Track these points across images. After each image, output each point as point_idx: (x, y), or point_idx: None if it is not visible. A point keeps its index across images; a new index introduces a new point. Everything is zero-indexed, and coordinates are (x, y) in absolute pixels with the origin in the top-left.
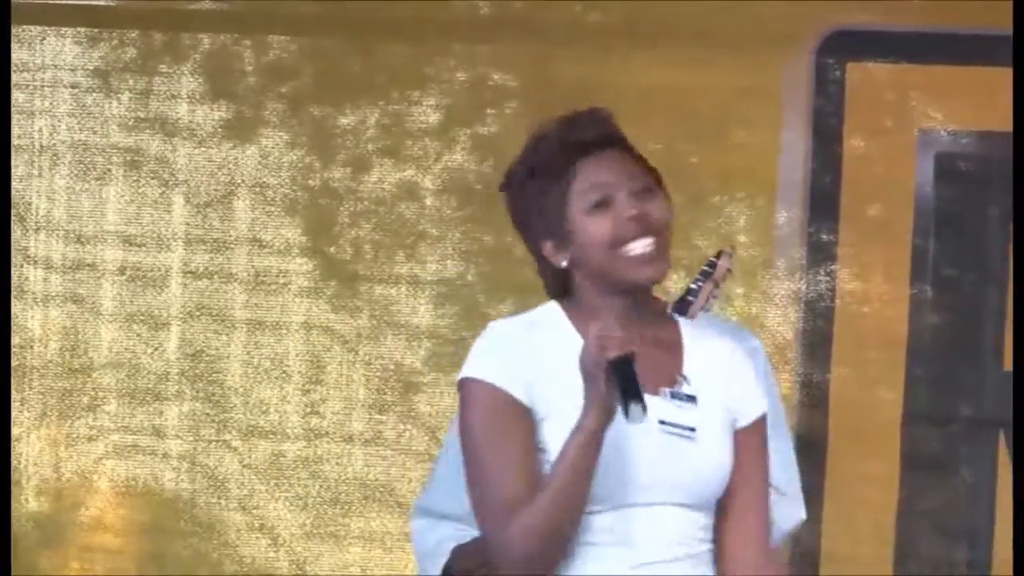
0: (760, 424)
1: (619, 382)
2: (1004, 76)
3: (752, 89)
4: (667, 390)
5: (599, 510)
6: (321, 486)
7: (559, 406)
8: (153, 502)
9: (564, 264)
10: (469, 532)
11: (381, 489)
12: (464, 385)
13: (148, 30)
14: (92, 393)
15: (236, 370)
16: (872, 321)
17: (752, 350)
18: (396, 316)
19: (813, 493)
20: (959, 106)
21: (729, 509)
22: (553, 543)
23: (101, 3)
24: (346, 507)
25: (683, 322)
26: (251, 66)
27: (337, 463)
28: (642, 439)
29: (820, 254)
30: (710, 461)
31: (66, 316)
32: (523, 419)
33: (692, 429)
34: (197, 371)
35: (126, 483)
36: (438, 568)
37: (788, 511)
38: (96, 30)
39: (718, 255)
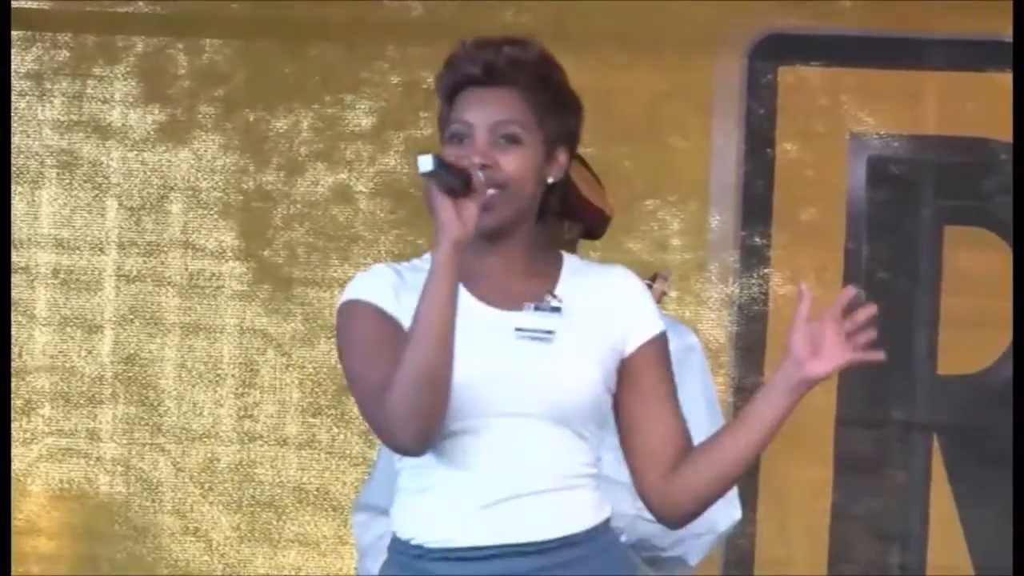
0: (654, 343)
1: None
2: (934, 79)
3: (684, 92)
4: (531, 304)
5: (458, 429)
6: (255, 489)
7: None
8: (87, 505)
9: None
10: None
11: (315, 492)
12: (339, 309)
13: (81, 33)
14: (26, 396)
15: (170, 373)
16: None
17: (688, 347)
18: (330, 319)
19: (747, 497)
20: (891, 109)
21: (635, 427)
22: (428, 391)
23: (34, 6)
24: (280, 510)
25: (568, 259)
26: (184, 69)
27: (271, 467)
28: (497, 347)
29: (753, 258)
30: (568, 366)
31: None
32: (389, 324)
33: (550, 332)
34: (131, 374)
35: (60, 486)
36: (377, 564)
37: (724, 511)
38: (28, 33)
39: (653, 277)
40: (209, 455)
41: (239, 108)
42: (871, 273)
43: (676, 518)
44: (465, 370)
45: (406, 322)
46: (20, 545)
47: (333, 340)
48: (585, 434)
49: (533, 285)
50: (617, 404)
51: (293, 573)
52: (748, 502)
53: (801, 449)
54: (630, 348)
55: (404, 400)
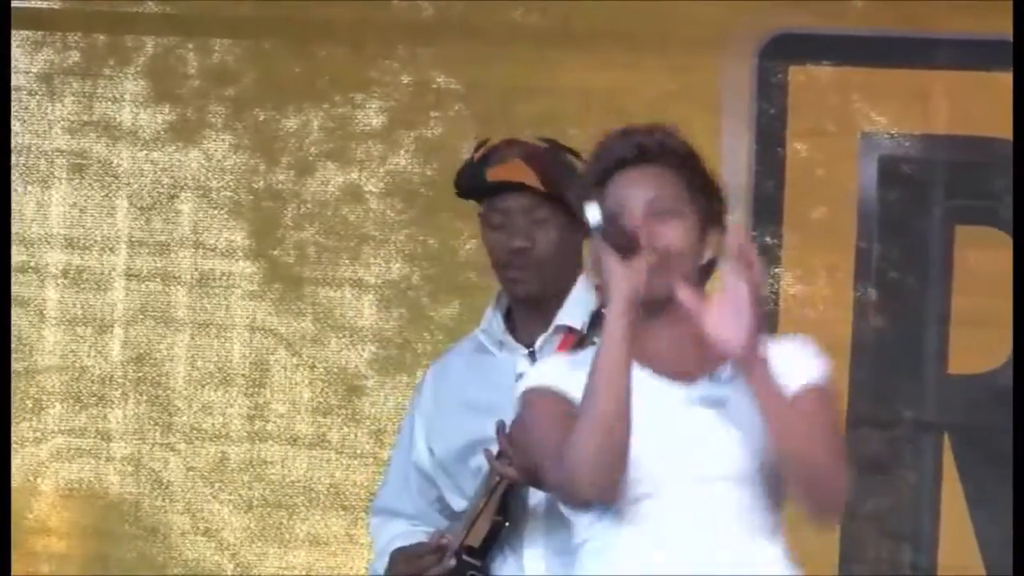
0: (809, 393)
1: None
2: (945, 79)
3: (693, 92)
4: (706, 375)
5: (640, 496)
6: (265, 489)
7: None
8: (98, 505)
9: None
10: (421, 528)
11: (325, 492)
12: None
13: (91, 33)
14: (36, 396)
15: (180, 373)
16: (816, 324)
17: None
18: (340, 319)
19: None
20: (901, 109)
21: None
22: (607, 443)
23: (44, 6)
24: (290, 510)
25: None
26: (194, 69)
27: (281, 466)
28: (675, 416)
29: (764, 257)
30: (742, 427)
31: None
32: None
33: (724, 400)
34: (141, 374)
35: (71, 486)
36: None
37: None
38: (39, 33)
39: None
40: (219, 454)
41: (249, 108)
42: (882, 272)
43: None
44: (642, 440)
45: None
46: (31, 544)
47: (343, 339)
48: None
49: (706, 355)
50: None
51: (304, 572)
52: None
53: None
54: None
55: (583, 460)
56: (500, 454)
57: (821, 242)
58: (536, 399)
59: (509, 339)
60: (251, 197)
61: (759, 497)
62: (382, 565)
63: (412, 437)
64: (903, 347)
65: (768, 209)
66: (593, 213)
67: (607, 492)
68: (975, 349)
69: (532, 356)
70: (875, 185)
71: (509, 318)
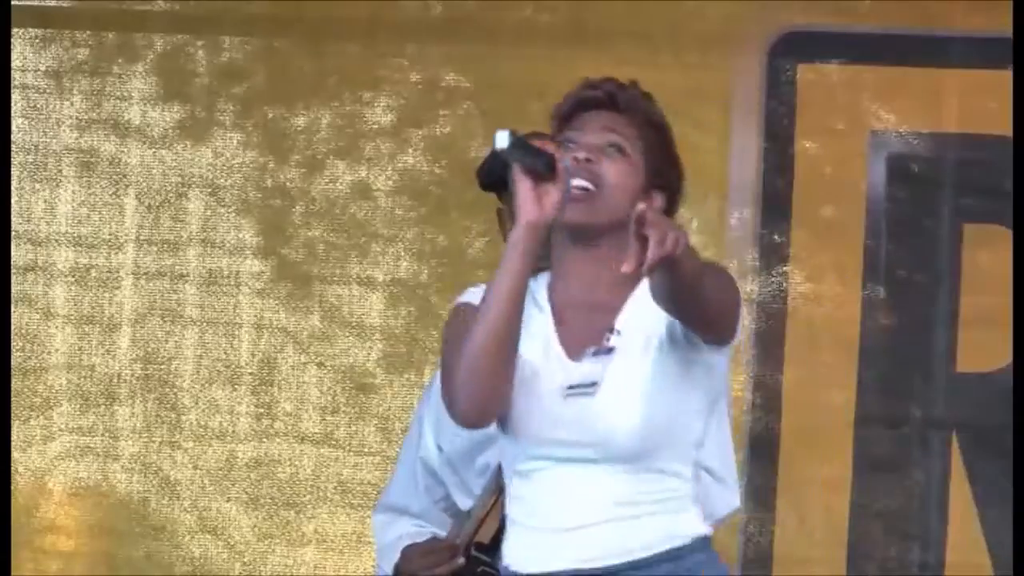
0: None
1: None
2: (955, 77)
3: (703, 90)
4: (591, 349)
5: (522, 470)
6: (273, 487)
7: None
8: (105, 503)
9: None
10: (428, 528)
11: (333, 490)
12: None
13: (100, 31)
14: (44, 394)
15: (188, 371)
16: (824, 322)
17: None
18: (348, 317)
19: (766, 494)
20: (910, 107)
21: None
22: (490, 363)
23: (53, 4)
24: (298, 508)
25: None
26: (203, 67)
27: (289, 464)
28: (550, 400)
29: (772, 256)
30: (615, 411)
31: (17, 317)
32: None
33: (593, 384)
34: (149, 372)
35: (78, 484)
36: (391, 564)
37: (723, 497)
38: (48, 31)
39: None
40: (227, 453)
41: (258, 105)
42: (890, 271)
43: None
44: (522, 422)
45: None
46: (38, 543)
47: (351, 337)
48: (653, 467)
49: (597, 318)
50: None
51: (311, 571)
52: (767, 500)
53: (820, 447)
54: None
55: (467, 368)
56: None
57: (830, 240)
58: (453, 311)
59: None
60: (260, 195)
61: (631, 475)
62: (387, 563)
63: (420, 435)
64: (911, 345)
65: (777, 207)
66: (502, 136)
67: (480, 416)
68: (983, 348)
69: None
70: (884, 183)
71: None
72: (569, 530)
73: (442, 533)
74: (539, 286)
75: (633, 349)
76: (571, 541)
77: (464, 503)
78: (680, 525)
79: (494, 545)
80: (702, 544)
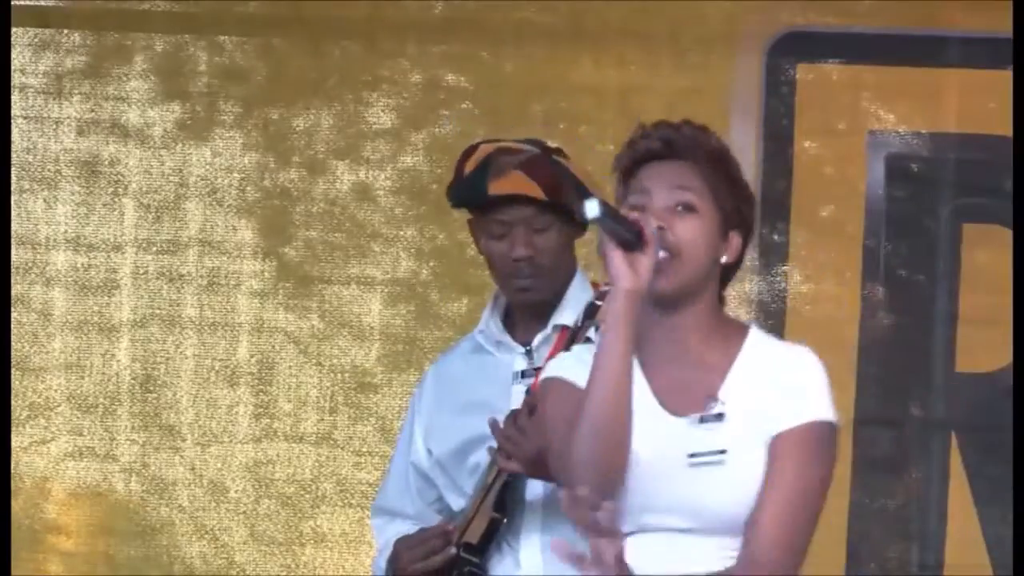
0: (799, 431)
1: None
2: (954, 77)
3: (703, 90)
4: (696, 415)
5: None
6: (272, 487)
7: None
8: (104, 504)
9: None
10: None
11: (332, 490)
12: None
13: (100, 31)
14: (43, 396)
15: (188, 371)
16: (824, 322)
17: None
18: (348, 316)
19: None
20: (910, 107)
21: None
22: (604, 444)
23: (52, 4)
24: (297, 508)
25: (753, 335)
26: (203, 67)
27: (288, 464)
28: (672, 472)
29: (772, 255)
30: (742, 481)
31: (17, 318)
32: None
33: (722, 452)
34: (148, 372)
35: (77, 485)
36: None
37: None
38: (47, 31)
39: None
40: (226, 453)
41: (258, 106)
42: (889, 271)
43: None
44: (643, 498)
45: None
46: (37, 543)
47: (351, 337)
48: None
49: (696, 379)
50: None
51: (310, 571)
52: None
53: None
54: (774, 431)
55: (584, 453)
56: (498, 449)
57: (829, 240)
58: (549, 388)
59: (507, 338)
60: (261, 196)
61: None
62: (384, 563)
63: (411, 438)
64: (911, 345)
65: (776, 207)
66: (592, 207)
67: (603, 489)
68: (983, 347)
69: (529, 355)
70: (883, 183)
71: (507, 318)
72: None
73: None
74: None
75: (740, 420)
76: None
77: (456, 503)
78: None
79: (482, 545)
80: None
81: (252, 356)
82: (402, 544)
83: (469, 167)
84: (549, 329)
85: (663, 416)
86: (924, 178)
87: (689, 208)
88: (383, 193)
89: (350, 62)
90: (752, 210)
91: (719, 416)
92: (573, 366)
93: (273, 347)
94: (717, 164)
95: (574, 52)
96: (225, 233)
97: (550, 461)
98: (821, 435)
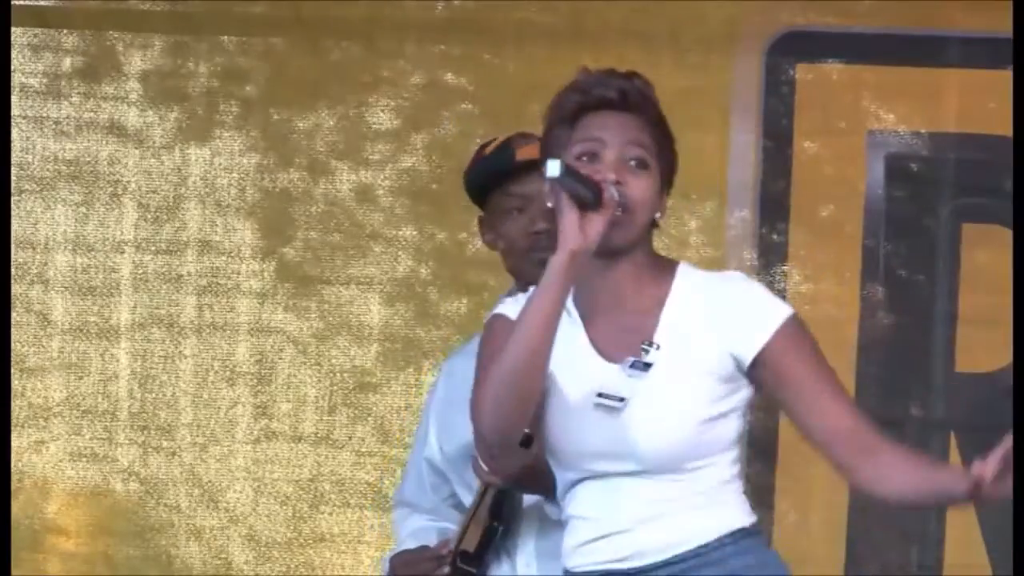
0: (781, 333)
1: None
2: (954, 77)
3: (702, 90)
4: (629, 360)
5: (566, 480)
6: (271, 487)
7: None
8: (104, 504)
9: (550, 205)
10: (440, 523)
11: (331, 489)
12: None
13: (100, 31)
14: (43, 396)
15: (187, 371)
16: (823, 322)
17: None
18: (347, 316)
19: (765, 493)
20: (909, 107)
21: (800, 426)
22: (513, 392)
23: (50, 4)
24: (297, 508)
25: (682, 273)
26: (204, 68)
27: (287, 464)
28: (581, 412)
29: (771, 255)
30: (648, 426)
31: (17, 319)
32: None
33: (622, 399)
34: (148, 372)
35: (77, 486)
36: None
37: None
38: (45, 31)
39: None
40: (226, 453)
41: (259, 107)
42: (889, 271)
43: (887, 499)
44: (553, 437)
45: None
46: (37, 543)
47: (350, 337)
48: (689, 467)
49: (634, 323)
50: (777, 403)
51: (310, 571)
52: (766, 499)
53: None
54: (752, 350)
55: (498, 385)
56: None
57: (828, 240)
58: (491, 324)
59: None
60: (261, 197)
61: (667, 480)
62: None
63: (425, 434)
64: (910, 345)
65: (776, 206)
66: (553, 166)
67: (503, 433)
68: (982, 347)
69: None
70: (883, 183)
71: None
72: (606, 536)
73: (452, 527)
74: None
75: (673, 366)
76: (608, 544)
77: (468, 500)
78: (719, 520)
79: (479, 553)
80: (749, 541)
81: (251, 356)
82: (398, 560)
83: (489, 150)
84: None
85: (599, 363)
86: (924, 178)
87: (643, 164)
88: (383, 193)
89: (351, 63)
90: (675, 170)
91: (646, 366)
92: (518, 306)
93: (272, 347)
94: (661, 121)
95: (574, 52)
96: (225, 234)
97: (472, 388)
98: (799, 327)
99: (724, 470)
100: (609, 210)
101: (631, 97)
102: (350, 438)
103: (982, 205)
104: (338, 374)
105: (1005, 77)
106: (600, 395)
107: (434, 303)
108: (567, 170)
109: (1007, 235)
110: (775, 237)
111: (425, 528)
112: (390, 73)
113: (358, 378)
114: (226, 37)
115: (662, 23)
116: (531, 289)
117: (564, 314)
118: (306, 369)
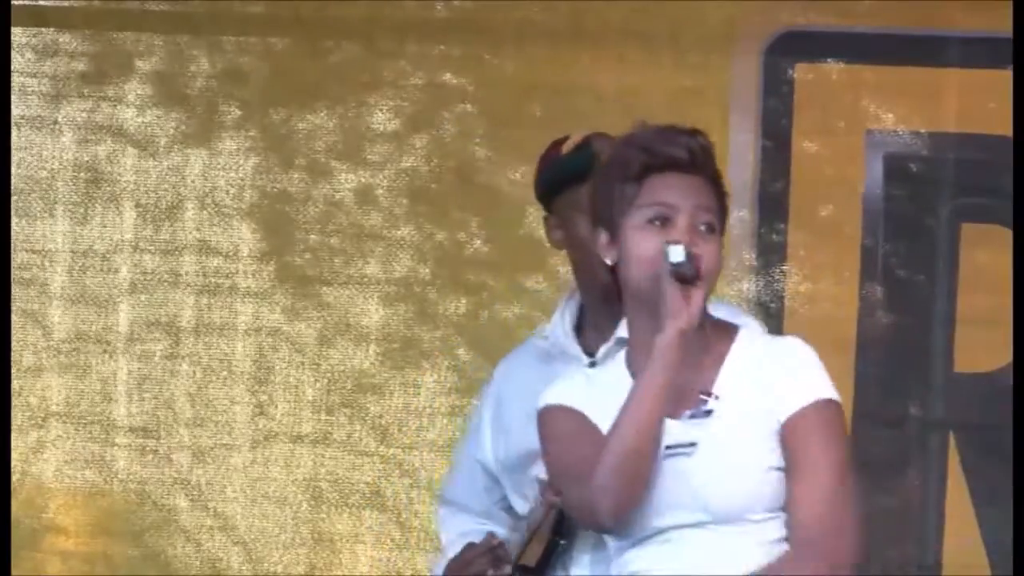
0: (809, 411)
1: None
2: (953, 77)
3: (701, 89)
4: (688, 412)
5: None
6: (270, 487)
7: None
8: (103, 504)
9: (610, 262)
10: (488, 526)
11: (330, 490)
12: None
13: (100, 32)
14: (41, 396)
15: (186, 371)
16: (822, 322)
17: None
18: (347, 316)
19: None
20: (908, 106)
21: (788, 492)
22: (629, 475)
23: (50, 4)
24: (295, 508)
25: (742, 336)
26: (205, 69)
27: (286, 464)
28: (662, 470)
29: (770, 255)
30: (717, 471)
31: (17, 319)
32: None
33: (692, 444)
34: (147, 372)
35: (76, 486)
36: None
37: None
38: (45, 31)
39: None
40: (224, 453)
41: (259, 108)
42: (888, 270)
43: None
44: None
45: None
46: (37, 543)
47: (351, 337)
48: (755, 518)
49: (692, 378)
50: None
51: (309, 571)
52: None
53: None
54: (782, 414)
55: (613, 470)
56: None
57: (827, 240)
58: (551, 417)
59: (573, 347)
60: (261, 198)
61: (736, 533)
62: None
63: (480, 435)
64: (909, 345)
65: (775, 206)
66: (676, 252)
67: (625, 522)
68: (981, 347)
69: (593, 367)
70: (882, 183)
71: (580, 321)
72: None
73: (501, 531)
74: (613, 358)
75: (733, 415)
76: None
77: (521, 507)
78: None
79: (539, 569)
80: None
81: (250, 357)
82: (455, 564)
83: (565, 148)
84: (612, 341)
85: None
86: (923, 178)
87: (711, 229)
88: (383, 193)
89: (351, 64)
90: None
91: (708, 413)
92: (574, 393)
93: (271, 348)
94: (719, 178)
95: (574, 52)
96: (224, 234)
97: (560, 485)
98: (830, 412)
99: (783, 528)
100: (706, 282)
101: (698, 158)
102: (349, 438)
103: (982, 205)
104: (337, 375)
105: (1005, 77)
106: (668, 447)
107: (433, 303)
108: (688, 254)
109: (1007, 235)
110: (774, 237)
111: (475, 532)
112: (390, 73)
113: (357, 379)
114: (226, 37)
115: (662, 23)
116: (580, 357)
117: (625, 378)
118: (305, 370)
